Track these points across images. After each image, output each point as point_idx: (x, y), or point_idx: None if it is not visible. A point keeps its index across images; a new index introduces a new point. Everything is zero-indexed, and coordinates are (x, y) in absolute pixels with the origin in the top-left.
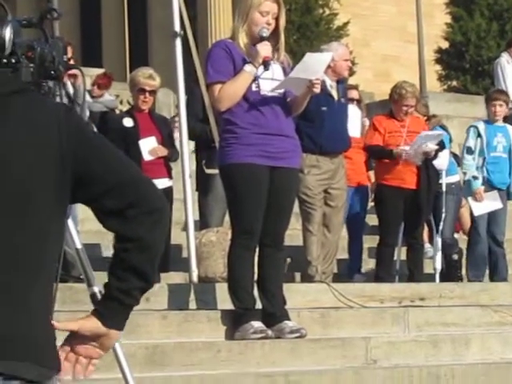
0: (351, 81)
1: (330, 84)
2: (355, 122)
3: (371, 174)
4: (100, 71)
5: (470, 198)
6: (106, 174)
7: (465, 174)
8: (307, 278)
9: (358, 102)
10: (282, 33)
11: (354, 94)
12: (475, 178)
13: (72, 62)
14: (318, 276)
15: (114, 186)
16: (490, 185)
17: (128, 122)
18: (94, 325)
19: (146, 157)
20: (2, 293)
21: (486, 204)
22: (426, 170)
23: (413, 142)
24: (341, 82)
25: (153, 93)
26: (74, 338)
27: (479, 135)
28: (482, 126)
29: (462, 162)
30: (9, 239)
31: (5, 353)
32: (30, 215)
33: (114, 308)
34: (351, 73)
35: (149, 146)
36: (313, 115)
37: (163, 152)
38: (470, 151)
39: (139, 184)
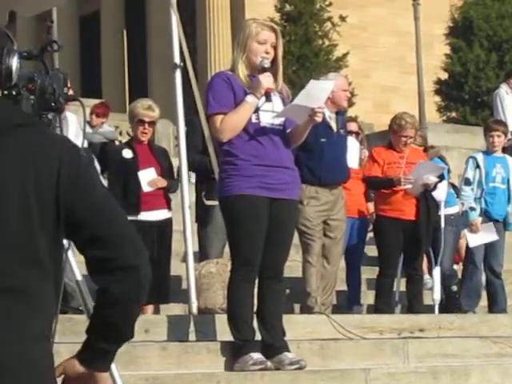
0: (350, 112)
1: (329, 115)
2: (354, 154)
3: (370, 205)
4: (98, 101)
5: (466, 229)
6: (94, 224)
7: (463, 204)
8: (306, 310)
9: (357, 134)
10: (281, 62)
11: (352, 126)
12: (472, 209)
13: (70, 92)
14: (318, 307)
15: (98, 238)
16: (487, 216)
17: (127, 154)
18: (73, 366)
19: (146, 188)
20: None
21: (481, 236)
22: (426, 201)
23: (413, 169)
24: (340, 113)
25: (152, 124)
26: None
27: (478, 166)
28: (480, 157)
29: (460, 193)
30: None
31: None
32: (27, 249)
33: (91, 355)
34: (350, 104)
35: (148, 177)
36: (312, 146)
37: (162, 183)
38: (468, 182)
39: (124, 240)
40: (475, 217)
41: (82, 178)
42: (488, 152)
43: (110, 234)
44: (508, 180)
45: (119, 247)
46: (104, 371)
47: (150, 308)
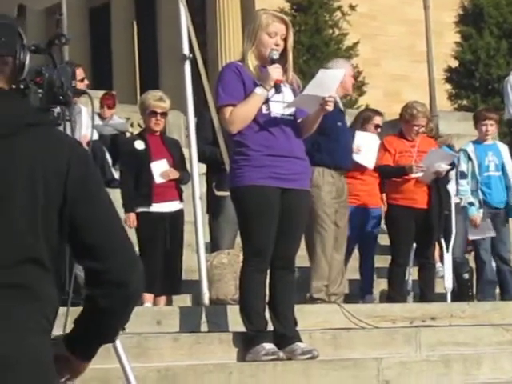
0: (361, 101)
1: (339, 100)
2: (373, 151)
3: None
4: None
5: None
6: (91, 232)
7: (461, 199)
8: (315, 301)
9: (379, 127)
10: (291, 53)
11: (378, 120)
12: (471, 204)
13: (86, 82)
14: (327, 297)
15: (93, 246)
16: (488, 206)
17: (139, 145)
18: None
19: (158, 179)
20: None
21: (480, 231)
22: (437, 189)
23: (425, 156)
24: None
25: (164, 115)
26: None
27: (470, 158)
28: (470, 148)
29: (457, 187)
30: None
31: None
32: (32, 249)
33: (74, 343)
34: (361, 93)
35: (160, 169)
36: (330, 131)
37: (175, 175)
38: (463, 176)
39: (118, 252)
40: (474, 212)
41: (90, 181)
42: (478, 141)
43: (104, 245)
44: (503, 167)
45: (112, 260)
46: (84, 361)
47: (162, 299)
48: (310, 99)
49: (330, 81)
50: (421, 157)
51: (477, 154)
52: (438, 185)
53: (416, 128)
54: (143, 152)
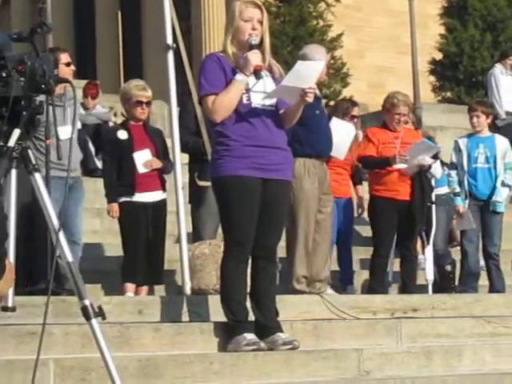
0: (345, 92)
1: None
2: (346, 141)
3: (359, 187)
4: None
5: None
6: None
7: (449, 188)
8: (294, 292)
9: (356, 117)
10: (267, 37)
11: (355, 111)
12: (456, 194)
13: (72, 67)
14: (307, 287)
15: None
16: (474, 198)
17: (122, 135)
18: None
19: (141, 169)
20: None
21: (462, 222)
22: (420, 181)
23: (408, 148)
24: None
25: (149, 104)
26: None
27: (460, 150)
28: (462, 140)
29: (448, 177)
30: None
31: None
32: None
33: None
34: (345, 84)
35: (143, 159)
36: (309, 120)
37: (158, 164)
38: (453, 166)
39: None
40: (459, 202)
41: None
42: (473, 133)
43: None
44: (495, 160)
45: None
46: None
47: (144, 289)
48: (289, 90)
49: (310, 72)
50: (404, 148)
51: (468, 145)
52: (420, 177)
53: (397, 117)
54: (126, 142)
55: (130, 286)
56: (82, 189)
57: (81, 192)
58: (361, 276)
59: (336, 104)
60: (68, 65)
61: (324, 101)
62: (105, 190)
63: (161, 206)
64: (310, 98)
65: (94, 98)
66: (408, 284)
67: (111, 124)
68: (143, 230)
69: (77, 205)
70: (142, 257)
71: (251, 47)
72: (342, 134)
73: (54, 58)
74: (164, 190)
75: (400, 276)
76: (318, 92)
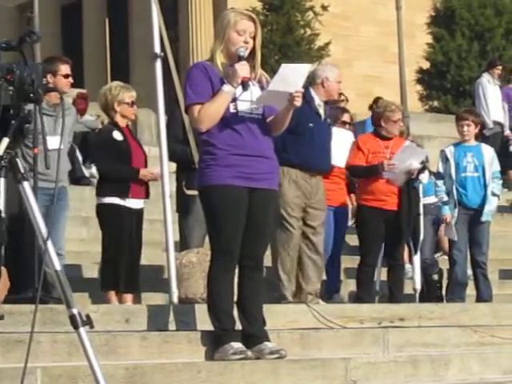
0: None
1: (319, 103)
2: (345, 149)
3: (353, 196)
4: (81, 91)
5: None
6: None
7: (437, 197)
8: (280, 300)
9: (350, 124)
10: (259, 51)
11: (346, 116)
12: (444, 203)
13: (70, 79)
14: (291, 297)
15: None
16: (463, 207)
17: (118, 136)
18: None
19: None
20: None
21: (448, 231)
22: (408, 191)
23: (396, 153)
24: (328, 103)
25: (134, 104)
26: None
27: (447, 159)
28: (449, 149)
29: (435, 188)
30: None
31: None
32: None
33: None
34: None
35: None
36: (301, 130)
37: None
38: (440, 176)
39: None
40: (446, 211)
41: None
42: (460, 142)
43: None
44: (483, 169)
45: None
46: None
47: (129, 297)
48: (276, 95)
49: (295, 76)
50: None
51: (455, 154)
52: (408, 187)
53: (398, 122)
54: (123, 143)
55: (112, 295)
56: (66, 199)
57: (65, 202)
58: (348, 285)
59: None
60: (66, 77)
61: None
62: (121, 175)
63: (142, 213)
64: (298, 102)
65: (83, 115)
66: (395, 293)
67: (100, 125)
68: (127, 236)
69: (61, 215)
70: (123, 264)
71: (240, 58)
72: (342, 142)
73: (43, 67)
74: (148, 197)
75: (387, 285)
76: (321, 110)
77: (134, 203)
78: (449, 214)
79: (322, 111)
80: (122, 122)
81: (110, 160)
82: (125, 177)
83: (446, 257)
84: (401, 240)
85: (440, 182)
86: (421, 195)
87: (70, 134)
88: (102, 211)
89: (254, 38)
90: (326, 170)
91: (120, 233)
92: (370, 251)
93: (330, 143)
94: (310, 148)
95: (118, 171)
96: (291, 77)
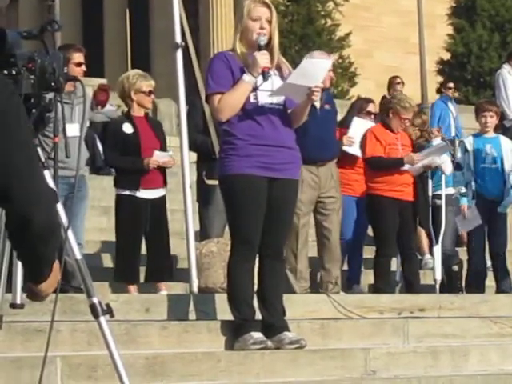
0: (353, 91)
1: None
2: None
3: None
4: (102, 81)
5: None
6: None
7: (456, 189)
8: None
9: (375, 115)
10: (276, 38)
11: (371, 107)
12: (462, 194)
13: (83, 68)
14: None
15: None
16: (482, 198)
17: (127, 128)
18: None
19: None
20: None
21: (468, 222)
22: (423, 182)
23: (427, 151)
24: (325, 90)
25: (152, 93)
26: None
27: (467, 150)
28: (468, 141)
29: (453, 179)
30: None
31: None
32: None
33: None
34: (353, 83)
35: (161, 159)
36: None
37: (171, 162)
38: (458, 167)
39: (24, 190)
40: (464, 202)
41: (10, 116)
42: (479, 133)
43: (11, 183)
44: (502, 160)
45: (17, 198)
46: (36, 284)
47: (161, 285)
48: (295, 88)
49: (316, 70)
50: (404, 150)
51: (474, 146)
52: (422, 176)
53: (405, 121)
54: (132, 136)
55: (132, 288)
56: (85, 189)
57: (84, 192)
58: (366, 275)
59: (351, 104)
60: (79, 65)
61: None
62: (126, 166)
63: (161, 202)
64: (315, 97)
65: (104, 106)
66: (413, 283)
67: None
68: (142, 226)
69: (80, 205)
70: (138, 255)
71: (260, 48)
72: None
73: (64, 56)
74: (165, 186)
75: (404, 275)
76: (317, 103)
77: (147, 193)
78: (466, 204)
79: (316, 103)
80: (138, 111)
81: (117, 152)
82: (129, 167)
83: (466, 248)
84: (415, 230)
85: (458, 173)
86: (443, 185)
87: (86, 121)
88: (117, 202)
89: (269, 24)
90: (329, 158)
91: (134, 224)
92: (386, 242)
93: (331, 131)
94: (306, 141)
95: (122, 162)
96: (312, 71)
